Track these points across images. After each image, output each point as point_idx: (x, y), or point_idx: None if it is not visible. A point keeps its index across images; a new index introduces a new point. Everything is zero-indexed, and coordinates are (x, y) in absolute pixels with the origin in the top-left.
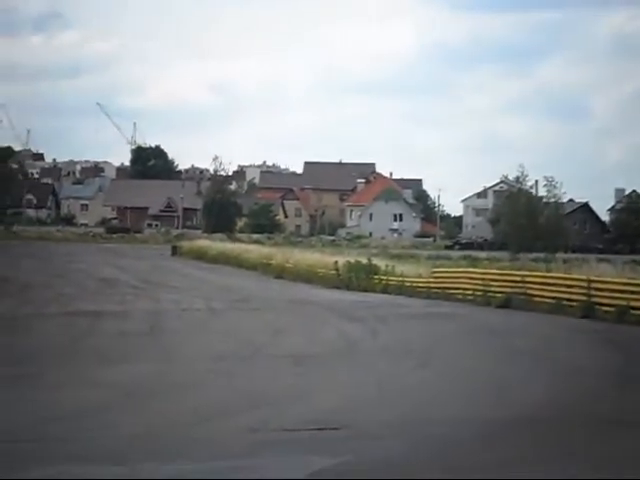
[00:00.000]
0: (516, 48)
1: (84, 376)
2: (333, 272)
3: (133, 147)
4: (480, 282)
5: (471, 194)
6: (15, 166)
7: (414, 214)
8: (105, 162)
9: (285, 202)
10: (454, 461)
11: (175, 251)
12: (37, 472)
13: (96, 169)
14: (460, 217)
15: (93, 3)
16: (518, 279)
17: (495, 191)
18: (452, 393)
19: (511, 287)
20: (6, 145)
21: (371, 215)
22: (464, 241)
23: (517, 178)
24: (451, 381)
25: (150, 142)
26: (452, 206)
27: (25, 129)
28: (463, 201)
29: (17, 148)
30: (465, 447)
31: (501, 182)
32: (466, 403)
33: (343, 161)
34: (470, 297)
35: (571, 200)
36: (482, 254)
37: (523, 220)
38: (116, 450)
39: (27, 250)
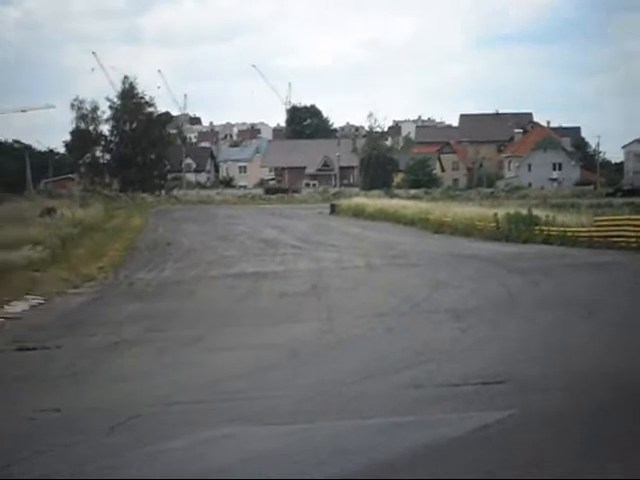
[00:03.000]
0: None
1: (250, 337)
2: (492, 225)
3: (288, 107)
4: None
5: (632, 139)
6: (174, 131)
7: (573, 162)
8: (261, 123)
9: (442, 156)
10: (622, 416)
11: (333, 209)
12: (205, 434)
13: (253, 131)
14: (621, 164)
15: None
16: None
17: None
18: (618, 344)
19: None
20: (164, 110)
21: (529, 165)
22: (626, 188)
23: None
24: (617, 332)
25: (305, 101)
26: (612, 153)
27: (182, 94)
28: (624, 147)
29: (175, 113)
30: (633, 400)
31: None
32: (634, 354)
33: (499, 111)
34: (634, 245)
35: None
36: None
37: None
38: (283, 410)
39: (188, 214)
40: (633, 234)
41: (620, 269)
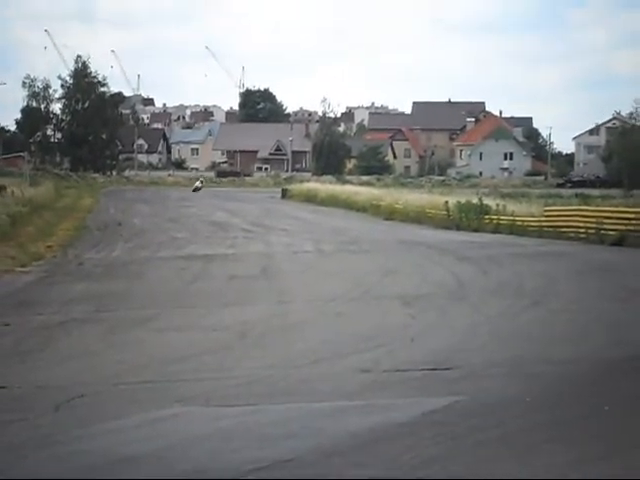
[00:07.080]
0: None
1: (199, 319)
2: (443, 212)
3: (242, 90)
4: (593, 220)
5: (583, 131)
6: (126, 111)
7: (524, 152)
8: (214, 106)
9: (394, 143)
10: (566, 401)
11: (285, 194)
12: (152, 414)
13: (206, 113)
14: (572, 155)
15: None
16: (632, 216)
17: (608, 128)
18: (565, 332)
19: (625, 224)
20: (117, 90)
21: (481, 154)
22: (576, 179)
23: (631, 114)
24: (564, 320)
25: (259, 85)
26: (563, 144)
27: (136, 74)
28: (575, 138)
29: (128, 93)
30: (577, 387)
31: (614, 118)
32: (580, 342)
33: (452, 100)
34: (583, 235)
35: None
36: (594, 192)
37: (637, 156)
38: (231, 392)
39: (140, 195)
40: (582, 224)
41: (568, 259)
